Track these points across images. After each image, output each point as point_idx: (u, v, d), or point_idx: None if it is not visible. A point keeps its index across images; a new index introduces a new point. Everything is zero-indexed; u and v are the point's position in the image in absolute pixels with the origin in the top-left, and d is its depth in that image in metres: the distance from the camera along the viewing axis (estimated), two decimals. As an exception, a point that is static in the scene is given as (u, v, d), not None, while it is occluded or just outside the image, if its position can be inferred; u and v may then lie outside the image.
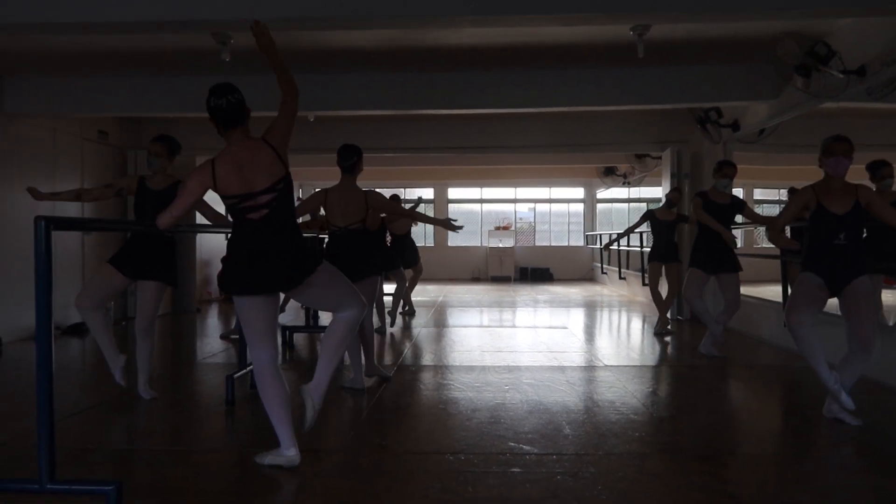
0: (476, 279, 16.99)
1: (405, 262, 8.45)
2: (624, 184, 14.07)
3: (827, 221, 3.72)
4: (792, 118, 6.39)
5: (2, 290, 6.58)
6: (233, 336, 6.84)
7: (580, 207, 17.87)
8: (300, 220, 4.54)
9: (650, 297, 7.60)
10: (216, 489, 2.87)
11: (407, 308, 8.99)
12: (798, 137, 7.14)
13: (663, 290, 7.40)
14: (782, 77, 5.89)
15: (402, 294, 8.32)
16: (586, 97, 6.66)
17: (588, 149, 9.60)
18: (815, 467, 3.22)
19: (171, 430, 3.84)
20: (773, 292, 6.96)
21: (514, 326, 8.32)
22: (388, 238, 8.18)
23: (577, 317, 9.15)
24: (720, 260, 5.63)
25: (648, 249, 7.57)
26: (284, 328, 6.56)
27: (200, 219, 4.41)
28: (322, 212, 4.78)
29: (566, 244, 17.81)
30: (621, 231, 9.48)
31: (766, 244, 15.99)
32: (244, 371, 4.48)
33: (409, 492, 2.80)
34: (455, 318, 8.99)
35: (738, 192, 7.66)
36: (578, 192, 17.81)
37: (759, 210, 13.84)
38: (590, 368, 5.41)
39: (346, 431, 3.77)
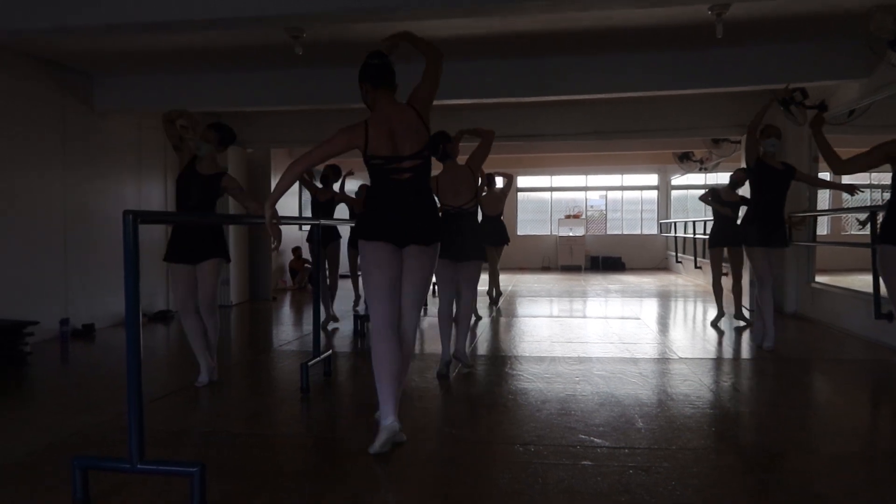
0: (546, 268, 16.84)
1: (497, 241, 8.52)
2: (700, 169, 13.60)
3: None
4: (886, 97, 6.02)
5: (94, 280, 6.97)
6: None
7: (653, 194, 17.41)
8: None
9: (728, 287, 7.31)
10: (294, 472, 2.95)
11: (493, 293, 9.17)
12: (892, 118, 6.71)
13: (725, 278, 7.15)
14: (876, 53, 5.54)
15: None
16: (664, 81, 6.43)
17: (663, 134, 9.30)
18: (909, 469, 3.05)
19: (250, 414, 3.98)
20: (862, 282, 6.59)
21: (584, 317, 8.20)
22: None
23: (650, 307, 8.94)
24: (772, 234, 5.43)
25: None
26: (356, 317, 6.70)
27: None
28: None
29: (638, 232, 17.41)
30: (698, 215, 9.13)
31: (855, 231, 15.16)
32: (318, 359, 4.60)
33: (478, 481, 2.81)
34: (525, 307, 8.94)
35: (825, 176, 7.28)
36: (652, 179, 17.35)
37: (845, 198, 13.11)
38: (663, 360, 5.29)
39: (418, 420, 3.81)
